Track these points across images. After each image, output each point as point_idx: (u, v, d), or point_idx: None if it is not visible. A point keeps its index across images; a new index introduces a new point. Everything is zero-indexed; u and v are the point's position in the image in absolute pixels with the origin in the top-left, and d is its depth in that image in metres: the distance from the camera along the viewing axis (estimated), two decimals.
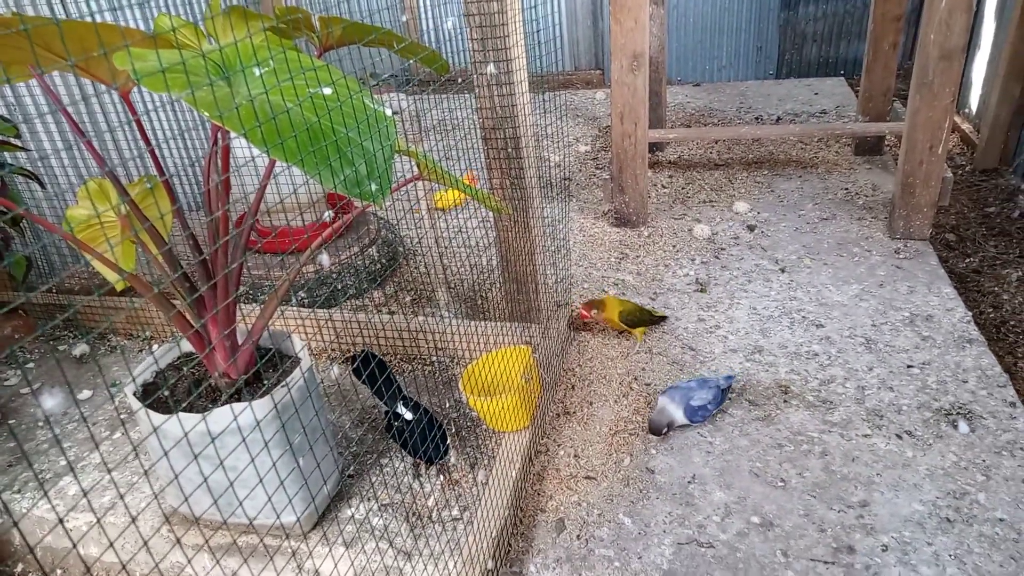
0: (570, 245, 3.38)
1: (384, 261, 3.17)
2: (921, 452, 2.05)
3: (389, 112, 1.45)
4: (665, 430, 2.15)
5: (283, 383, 1.70)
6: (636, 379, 2.47)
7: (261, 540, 1.86)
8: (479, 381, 2.16)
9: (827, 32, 5.59)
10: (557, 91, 5.81)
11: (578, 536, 1.90)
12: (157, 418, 1.61)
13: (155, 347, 2.86)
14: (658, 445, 2.17)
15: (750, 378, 2.41)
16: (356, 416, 2.37)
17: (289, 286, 1.75)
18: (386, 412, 2.08)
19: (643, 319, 2.62)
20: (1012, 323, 3.36)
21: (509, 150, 2.19)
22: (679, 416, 2.14)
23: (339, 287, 2.99)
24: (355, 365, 2.16)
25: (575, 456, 2.17)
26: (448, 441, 2.03)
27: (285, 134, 1.13)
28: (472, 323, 2.60)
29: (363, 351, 2.17)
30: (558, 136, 4.83)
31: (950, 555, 1.74)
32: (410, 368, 2.61)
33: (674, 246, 3.30)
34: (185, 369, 1.86)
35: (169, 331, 2.85)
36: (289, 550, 1.84)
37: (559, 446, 2.21)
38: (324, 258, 1.58)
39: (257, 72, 1.31)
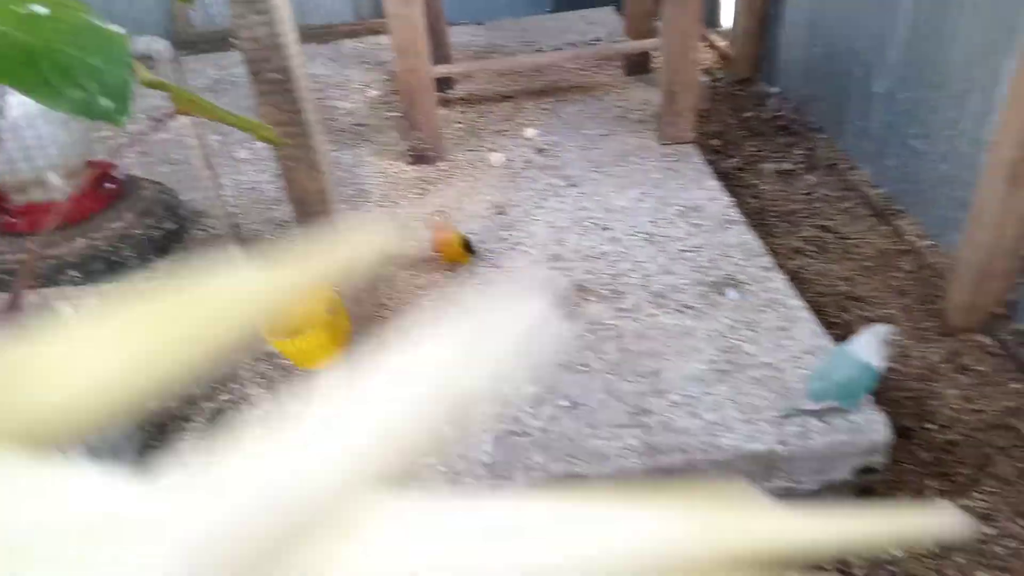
0: (368, 188, 3.35)
1: (167, 227, 2.95)
2: (700, 321, 2.31)
3: (121, 30, 1.34)
4: None
5: None
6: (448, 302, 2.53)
7: None
8: (282, 324, 2.10)
9: None
10: (340, 40, 5.64)
11: None
12: None
13: None
14: None
15: (551, 283, 2.56)
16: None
17: (31, 264, 1.59)
18: None
19: (468, 245, 2.66)
20: (770, 209, 3.82)
21: (280, 79, 2.11)
22: None
23: (116, 260, 2.75)
24: None
25: None
26: None
27: None
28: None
29: None
30: (346, 84, 4.72)
31: (727, 399, 2.00)
32: None
33: (472, 176, 3.38)
34: None
35: None
36: None
37: None
38: None
39: None
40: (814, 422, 1.87)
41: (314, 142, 2.22)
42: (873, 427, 1.86)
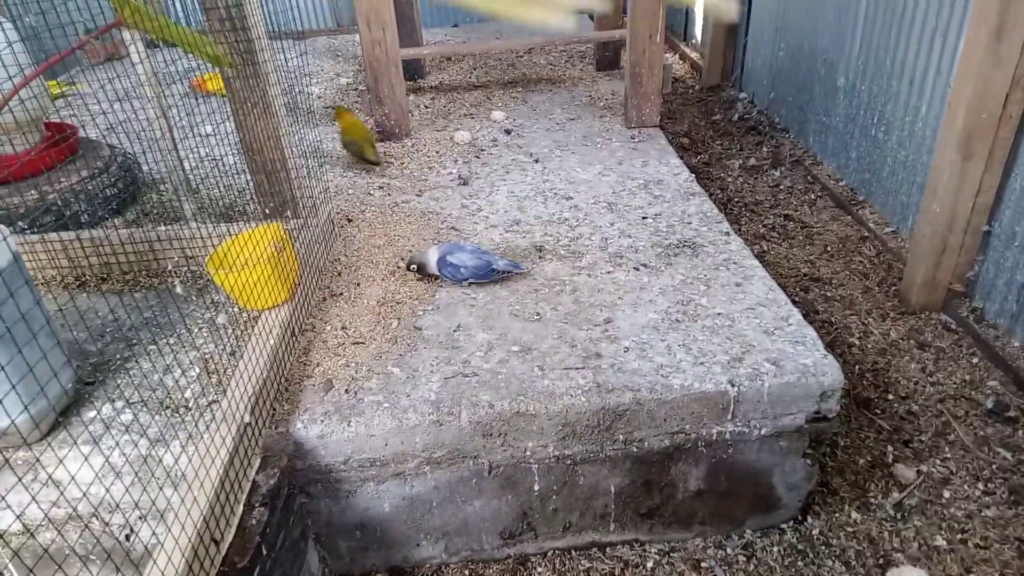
0: (332, 161, 3.32)
1: (121, 186, 2.89)
2: (655, 277, 2.28)
3: None
4: (413, 266, 2.31)
5: None
6: (403, 259, 2.49)
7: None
8: (227, 263, 2.04)
9: None
10: (315, 37, 5.65)
11: (347, 391, 1.88)
12: None
13: None
14: (425, 306, 2.20)
15: (509, 244, 2.53)
16: (96, 331, 2.15)
17: None
18: None
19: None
20: (735, 199, 3.84)
21: (233, 20, 2.08)
22: (432, 262, 2.20)
23: (67, 214, 2.68)
24: None
25: (342, 328, 2.14)
26: None
27: None
28: (223, 225, 2.46)
29: None
30: (319, 73, 4.71)
31: (679, 344, 1.96)
32: (158, 282, 2.42)
33: (437, 152, 3.36)
34: None
35: None
36: (29, 459, 1.63)
37: (326, 323, 2.17)
38: None
39: None
40: (767, 365, 1.84)
41: (267, 86, 2.18)
42: (824, 371, 1.83)
